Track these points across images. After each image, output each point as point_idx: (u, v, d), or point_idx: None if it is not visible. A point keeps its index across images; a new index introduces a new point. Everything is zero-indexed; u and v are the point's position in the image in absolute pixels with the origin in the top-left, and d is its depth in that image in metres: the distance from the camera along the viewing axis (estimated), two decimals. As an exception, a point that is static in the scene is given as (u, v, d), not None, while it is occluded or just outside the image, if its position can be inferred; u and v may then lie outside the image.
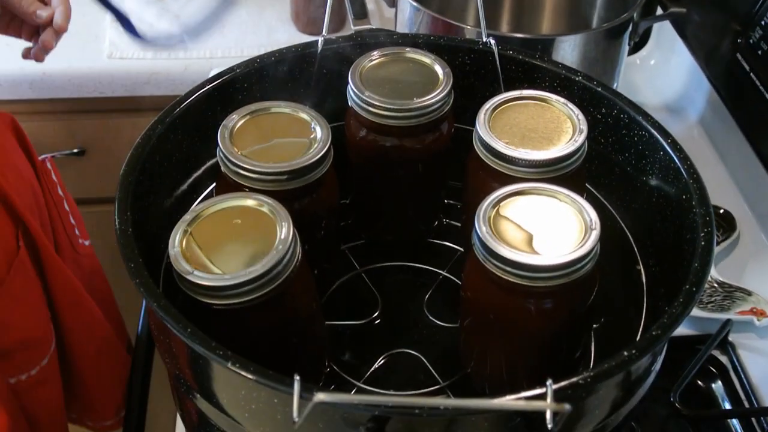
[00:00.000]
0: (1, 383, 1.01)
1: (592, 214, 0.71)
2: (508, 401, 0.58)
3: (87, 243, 1.23)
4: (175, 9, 1.65)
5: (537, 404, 0.56)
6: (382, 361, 0.85)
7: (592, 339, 0.86)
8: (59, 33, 1.04)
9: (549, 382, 0.58)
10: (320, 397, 0.51)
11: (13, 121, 1.07)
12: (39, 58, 1.08)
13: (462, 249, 0.95)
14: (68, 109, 1.55)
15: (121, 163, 1.68)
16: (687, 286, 0.68)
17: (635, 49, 1.56)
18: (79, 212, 1.21)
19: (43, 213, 1.09)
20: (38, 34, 1.07)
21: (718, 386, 1.01)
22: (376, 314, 0.89)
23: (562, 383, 0.59)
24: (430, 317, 0.89)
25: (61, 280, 1.08)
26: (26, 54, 1.08)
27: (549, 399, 0.56)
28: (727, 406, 0.99)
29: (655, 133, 0.82)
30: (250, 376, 0.60)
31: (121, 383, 1.22)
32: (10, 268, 1.00)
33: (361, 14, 1.23)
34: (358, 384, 0.82)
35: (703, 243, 0.71)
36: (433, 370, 0.84)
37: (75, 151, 1.60)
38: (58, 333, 1.12)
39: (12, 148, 1.06)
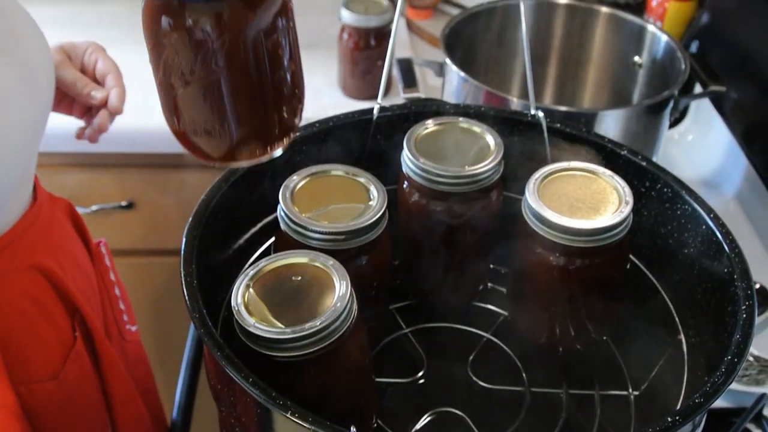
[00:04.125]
0: None
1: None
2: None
3: (134, 329, 1.19)
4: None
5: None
6: (426, 419, 0.87)
7: (632, 405, 0.88)
8: (114, 115, 1.05)
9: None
10: (384, 446, 0.54)
11: (69, 207, 1.06)
12: (93, 140, 1.07)
13: (506, 313, 0.98)
14: (119, 162, 1.60)
15: (168, 216, 1.73)
16: (729, 357, 0.71)
17: (673, 124, 1.59)
18: (127, 297, 1.18)
19: (96, 300, 1.07)
20: (89, 112, 1.07)
21: (752, 459, 1.02)
22: (421, 373, 0.92)
23: (608, 445, 0.62)
24: (474, 378, 0.91)
25: (116, 373, 1.05)
26: (80, 134, 1.08)
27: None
28: (762, 479, 1.00)
29: (698, 208, 0.85)
30: (307, 426, 0.63)
31: None
32: (66, 360, 0.97)
33: (411, 82, 1.27)
34: (404, 441, 0.84)
35: (744, 315, 0.74)
36: (475, 429, 0.86)
37: (123, 204, 1.64)
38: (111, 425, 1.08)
39: (70, 235, 1.04)
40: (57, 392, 0.95)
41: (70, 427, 0.99)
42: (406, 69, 1.32)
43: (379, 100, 0.96)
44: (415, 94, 1.22)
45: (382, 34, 1.56)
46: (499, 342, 0.95)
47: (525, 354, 0.94)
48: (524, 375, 0.92)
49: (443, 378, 0.92)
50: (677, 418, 0.65)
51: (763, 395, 1.05)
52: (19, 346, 0.91)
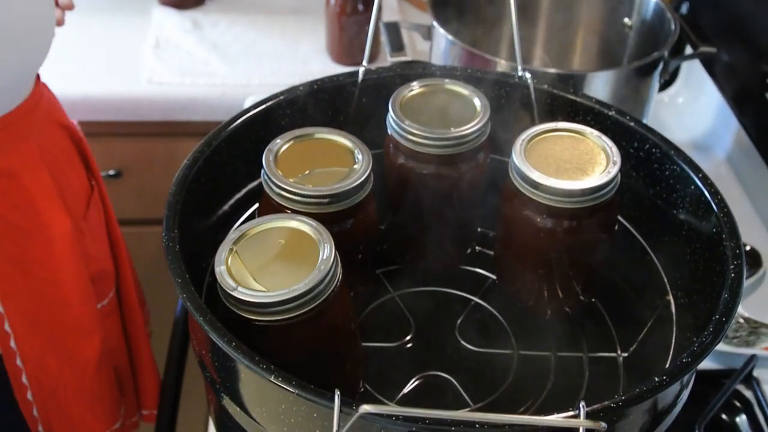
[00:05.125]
0: (94, 307, 1.18)
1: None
2: (544, 418, 0.60)
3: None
4: (212, 37, 1.69)
5: (573, 422, 0.58)
6: (414, 383, 0.87)
7: (621, 367, 0.87)
8: (65, 9, 1.14)
9: (582, 404, 0.60)
10: (366, 408, 0.53)
11: (48, 89, 1.18)
12: None
13: (494, 276, 0.97)
14: (106, 131, 1.59)
15: (156, 185, 1.72)
16: (717, 317, 0.70)
17: (664, 86, 1.58)
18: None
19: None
20: None
21: (742, 420, 1.03)
22: (408, 337, 0.92)
23: (595, 406, 0.61)
24: (462, 341, 0.91)
25: (115, 230, 1.26)
26: None
27: (582, 417, 0.58)
28: (752, 440, 1.01)
29: (686, 168, 0.84)
30: (291, 390, 0.62)
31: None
32: (89, 204, 1.19)
33: (398, 46, 1.26)
34: (391, 405, 0.84)
35: (732, 275, 0.73)
36: (463, 393, 0.86)
37: (111, 173, 1.63)
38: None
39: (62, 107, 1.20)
40: (86, 229, 1.17)
41: (92, 264, 1.19)
42: (394, 33, 1.31)
43: (364, 62, 0.94)
44: (402, 58, 1.20)
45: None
46: (487, 305, 0.95)
47: (513, 317, 0.94)
48: (512, 338, 0.92)
49: (431, 342, 0.92)
50: (664, 378, 0.65)
51: (753, 356, 1.05)
52: (60, 189, 1.10)
